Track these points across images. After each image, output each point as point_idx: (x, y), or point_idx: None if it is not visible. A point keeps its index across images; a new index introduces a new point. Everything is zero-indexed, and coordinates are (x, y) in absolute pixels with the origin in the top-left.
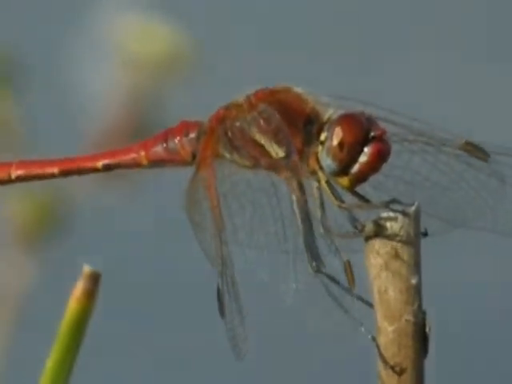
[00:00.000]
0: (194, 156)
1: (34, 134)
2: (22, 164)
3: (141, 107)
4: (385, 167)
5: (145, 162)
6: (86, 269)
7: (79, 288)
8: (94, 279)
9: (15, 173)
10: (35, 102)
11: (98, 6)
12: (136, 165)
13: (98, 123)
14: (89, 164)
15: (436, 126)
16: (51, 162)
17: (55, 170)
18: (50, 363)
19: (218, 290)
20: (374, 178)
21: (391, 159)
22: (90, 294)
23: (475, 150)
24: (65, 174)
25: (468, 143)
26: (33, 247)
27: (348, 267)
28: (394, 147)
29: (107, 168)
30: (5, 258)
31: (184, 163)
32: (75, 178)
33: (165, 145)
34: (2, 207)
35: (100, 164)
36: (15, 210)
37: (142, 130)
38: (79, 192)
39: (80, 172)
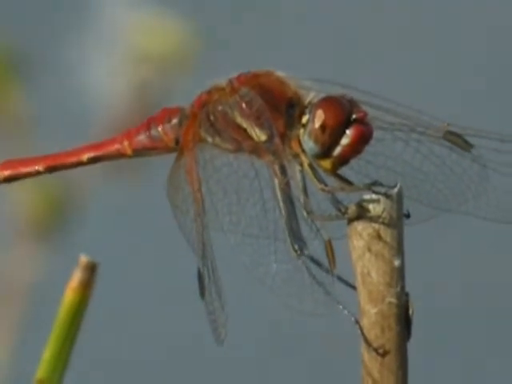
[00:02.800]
0: (177, 142)
1: (42, 130)
2: (7, 164)
3: (149, 101)
4: (367, 152)
5: (129, 151)
6: (83, 259)
7: (76, 278)
8: (91, 269)
9: (2, 174)
10: (42, 99)
11: (106, 1)
12: (121, 155)
13: (107, 119)
14: (74, 158)
15: (419, 111)
16: (36, 159)
17: (40, 167)
18: (47, 354)
19: (199, 273)
20: (356, 162)
21: (373, 144)
22: (87, 285)
23: (458, 140)
24: (50, 170)
25: (450, 132)
26: (42, 238)
27: (329, 246)
28: (377, 132)
29: (92, 161)
30: (14, 248)
31: (168, 150)
32: (86, 169)
33: (148, 133)
34: (11, 199)
35: (85, 157)
36: (24, 201)
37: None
38: (89, 183)
39: (66, 167)
